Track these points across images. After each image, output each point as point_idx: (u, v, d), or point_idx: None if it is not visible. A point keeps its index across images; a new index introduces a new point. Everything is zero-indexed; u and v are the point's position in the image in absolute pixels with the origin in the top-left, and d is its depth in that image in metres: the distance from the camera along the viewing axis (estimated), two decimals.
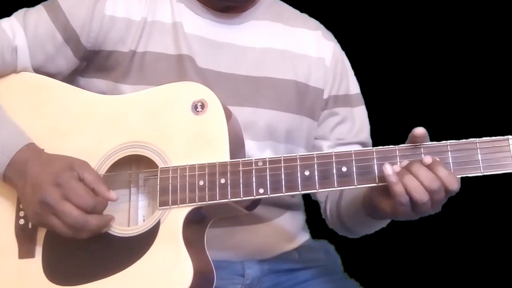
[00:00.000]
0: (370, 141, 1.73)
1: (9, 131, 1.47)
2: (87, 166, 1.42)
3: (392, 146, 1.36)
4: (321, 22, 1.76)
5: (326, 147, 1.68)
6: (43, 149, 1.47)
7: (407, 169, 1.32)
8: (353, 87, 1.73)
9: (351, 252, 1.91)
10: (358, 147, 1.65)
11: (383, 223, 1.59)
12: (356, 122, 1.71)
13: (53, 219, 1.37)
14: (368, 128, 1.74)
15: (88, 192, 1.38)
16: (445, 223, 2.45)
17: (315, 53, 1.68)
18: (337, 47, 1.73)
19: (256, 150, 1.58)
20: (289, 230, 1.67)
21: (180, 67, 1.56)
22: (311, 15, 1.77)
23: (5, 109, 1.51)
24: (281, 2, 1.75)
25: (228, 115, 1.44)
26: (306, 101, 1.66)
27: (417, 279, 2.50)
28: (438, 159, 1.32)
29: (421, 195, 1.31)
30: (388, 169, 1.32)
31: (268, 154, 1.58)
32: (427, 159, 1.31)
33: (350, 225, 1.66)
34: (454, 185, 1.32)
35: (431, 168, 1.31)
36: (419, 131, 1.33)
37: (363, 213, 1.52)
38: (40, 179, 1.39)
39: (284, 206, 1.66)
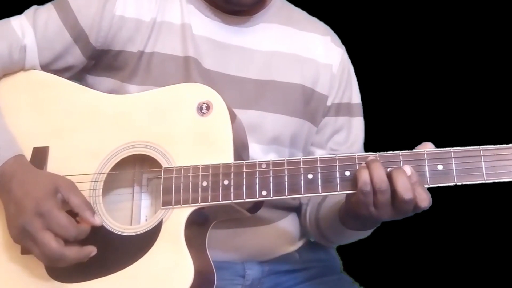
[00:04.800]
0: (363, 152, 1.70)
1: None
2: (73, 188, 1.40)
3: (396, 151, 1.35)
4: (326, 23, 1.76)
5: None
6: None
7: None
8: (355, 96, 1.73)
9: (351, 252, 1.91)
10: None
11: (355, 234, 1.56)
12: (351, 133, 1.70)
13: (31, 246, 1.36)
14: (362, 140, 1.72)
15: (71, 222, 1.36)
16: (445, 223, 2.46)
17: (323, 59, 1.68)
18: (345, 54, 1.72)
19: (261, 153, 1.58)
20: (290, 232, 1.68)
21: (187, 69, 1.56)
22: (318, 15, 1.77)
23: (5, 112, 1.50)
24: (290, 4, 1.75)
25: (233, 117, 1.44)
26: (310, 105, 1.66)
27: (417, 279, 2.50)
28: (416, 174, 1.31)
29: (381, 184, 1.30)
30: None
31: (272, 158, 1.56)
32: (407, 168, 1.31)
33: (324, 229, 1.63)
34: (425, 202, 1.31)
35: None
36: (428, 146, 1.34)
37: (338, 219, 1.51)
38: (23, 204, 1.37)
39: (286, 208, 1.66)
